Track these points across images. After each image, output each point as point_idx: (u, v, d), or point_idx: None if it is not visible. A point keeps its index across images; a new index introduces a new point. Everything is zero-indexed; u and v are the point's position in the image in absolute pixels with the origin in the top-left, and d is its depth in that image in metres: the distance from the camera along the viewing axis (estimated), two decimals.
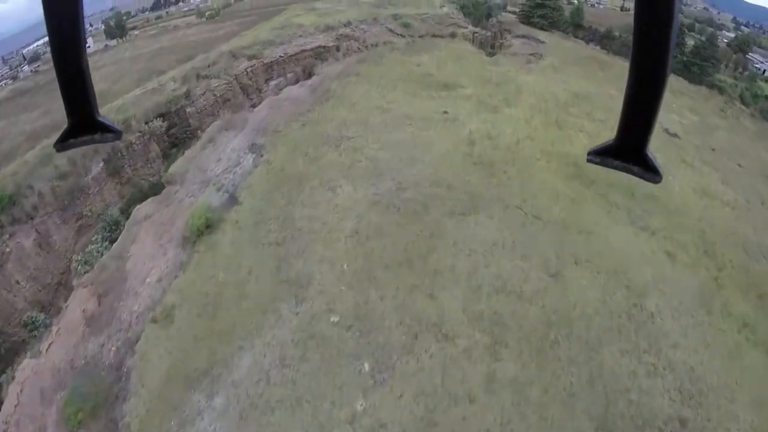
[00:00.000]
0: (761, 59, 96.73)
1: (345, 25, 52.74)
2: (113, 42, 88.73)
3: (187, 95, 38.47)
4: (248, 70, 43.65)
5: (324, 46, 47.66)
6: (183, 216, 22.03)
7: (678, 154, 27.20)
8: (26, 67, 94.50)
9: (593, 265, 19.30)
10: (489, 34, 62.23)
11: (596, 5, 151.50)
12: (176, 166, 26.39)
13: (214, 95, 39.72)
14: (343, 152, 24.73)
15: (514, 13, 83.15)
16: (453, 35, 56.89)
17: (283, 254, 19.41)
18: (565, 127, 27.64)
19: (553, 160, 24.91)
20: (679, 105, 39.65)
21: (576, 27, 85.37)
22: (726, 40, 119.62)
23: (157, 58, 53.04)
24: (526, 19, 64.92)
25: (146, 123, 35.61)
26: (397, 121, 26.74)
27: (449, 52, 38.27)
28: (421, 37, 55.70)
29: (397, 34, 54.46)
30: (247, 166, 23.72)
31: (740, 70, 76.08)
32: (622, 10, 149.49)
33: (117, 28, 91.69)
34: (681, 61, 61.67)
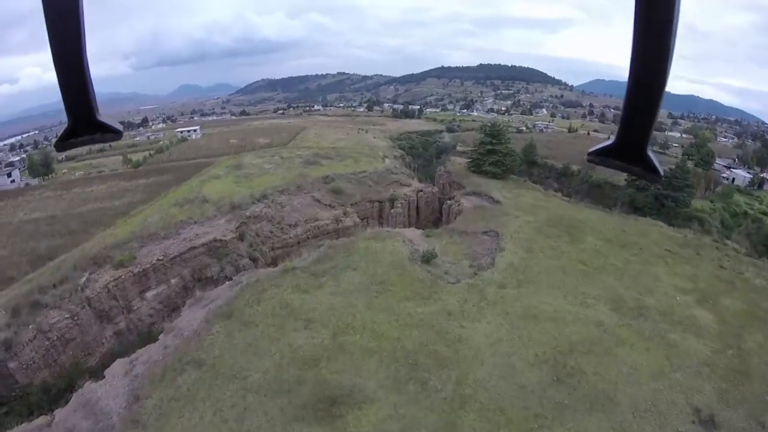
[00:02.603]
0: (721, 163, 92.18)
1: (259, 200, 43.29)
2: (35, 181, 76.90)
3: (8, 345, 26.30)
4: (111, 285, 32.15)
5: (221, 240, 37.30)
6: None
7: None
8: None
9: None
10: (435, 190, 54.41)
11: (544, 130, 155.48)
12: None
13: (48, 340, 27.60)
14: None
15: (464, 153, 78.24)
16: (392, 200, 48.43)
17: None
18: None
19: None
20: (682, 290, 29.87)
21: (530, 164, 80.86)
22: (676, 145, 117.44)
23: (31, 240, 41.09)
24: (477, 167, 57.87)
25: None
26: None
27: (367, 266, 27.34)
28: (353, 205, 46.90)
29: (325, 205, 45.39)
30: None
31: (711, 187, 69.98)
32: (570, 131, 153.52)
33: (41, 166, 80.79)
34: (651, 194, 54.97)
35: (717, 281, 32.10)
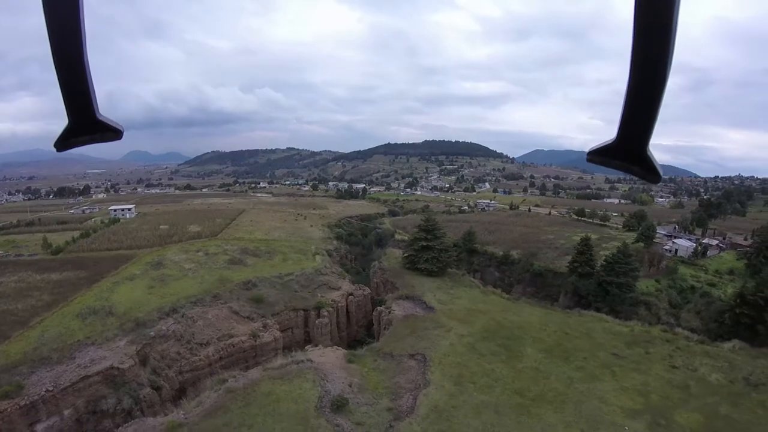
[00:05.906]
0: (662, 232, 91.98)
1: (168, 314, 39.46)
2: None
3: None
4: None
5: (118, 368, 33.09)
6: None
7: None
8: None
9: None
10: (367, 292, 52.41)
11: (486, 208, 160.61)
12: None
13: None
14: None
15: (403, 242, 77.67)
16: (318, 308, 45.81)
17: None
18: None
19: None
20: (631, 412, 28.09)
21: (470, 252, 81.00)
22: (616, 213, 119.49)
23: None
24: (412, 264, 56.73)
25: None
26: None
27: (265, 422, 23.87)
28: (275, 315, 43.82)
29: (243, 318, 42.00)
30: None
31: (655, 263, 69.42)
32: (511, 208, 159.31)
33: None
34: (595, 281, 53.10)
35: (670, 389, 30.74)
